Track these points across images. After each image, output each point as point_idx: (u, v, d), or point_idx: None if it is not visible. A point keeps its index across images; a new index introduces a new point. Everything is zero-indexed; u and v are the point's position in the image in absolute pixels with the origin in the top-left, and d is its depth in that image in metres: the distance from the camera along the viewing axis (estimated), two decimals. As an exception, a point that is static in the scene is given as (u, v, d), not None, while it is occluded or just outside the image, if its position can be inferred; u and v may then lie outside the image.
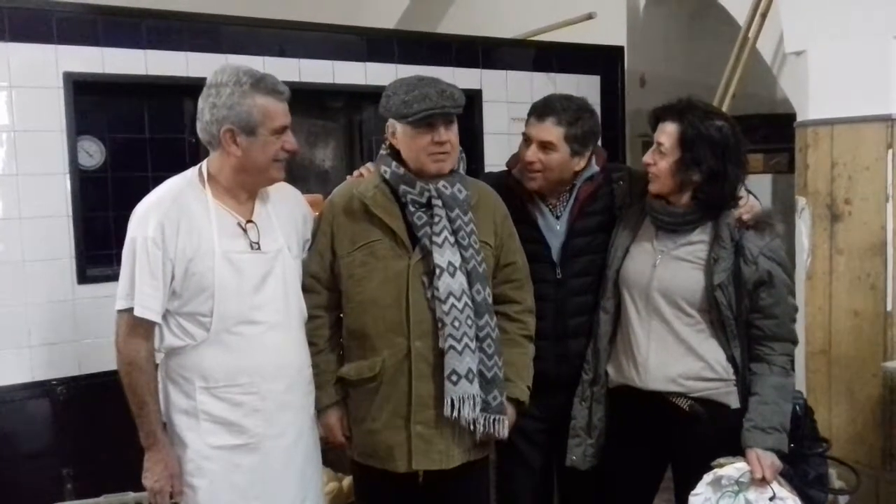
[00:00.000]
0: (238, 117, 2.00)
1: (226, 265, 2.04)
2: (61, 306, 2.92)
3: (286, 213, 2.20)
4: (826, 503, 2.33)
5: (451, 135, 2.15)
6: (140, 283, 1.99)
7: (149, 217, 2.01)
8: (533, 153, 2.34)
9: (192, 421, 2.07)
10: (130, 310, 2.00)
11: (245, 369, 2.07)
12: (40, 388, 2.89)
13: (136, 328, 2.01)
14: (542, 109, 2.36)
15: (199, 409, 2.06)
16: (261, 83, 2.01)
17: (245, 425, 2.08)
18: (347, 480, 3.02)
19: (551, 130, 2.32)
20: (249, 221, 2.10)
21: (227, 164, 2.06)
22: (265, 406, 2.09)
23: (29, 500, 2.82)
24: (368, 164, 2.34)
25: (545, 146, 2.32)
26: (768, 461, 2.13)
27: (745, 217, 2.21)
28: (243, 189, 2.10)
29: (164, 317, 2.05)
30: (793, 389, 2.25)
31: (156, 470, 2.04)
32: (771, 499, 2.10)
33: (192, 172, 2.13)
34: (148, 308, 2.00)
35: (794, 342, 2.26)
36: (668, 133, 2.21)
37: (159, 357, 2.11)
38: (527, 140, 2.37)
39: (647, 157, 2.25)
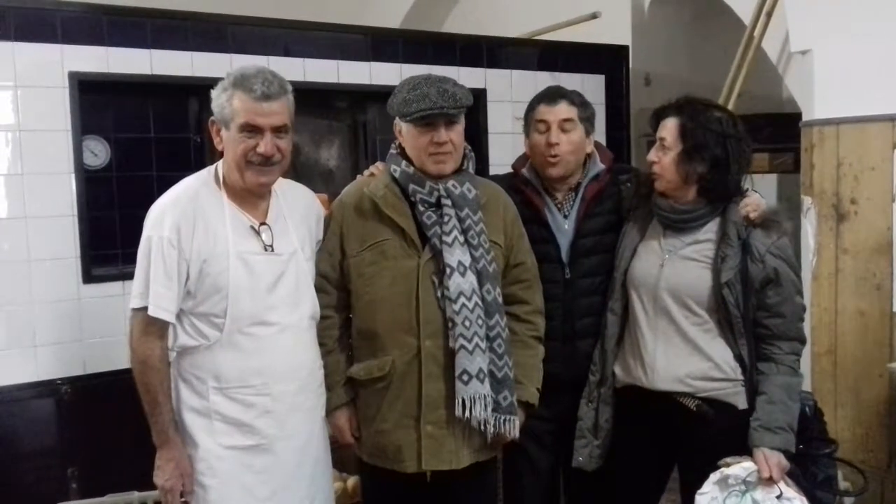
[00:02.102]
0: (216, 109, 2.04)
1: (240, 266, 2.04)
2: (67, 306, 2.92)
3: (300, 214, 2.20)
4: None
5: (452, 135, 2.14)
6: (154, 283, 1.99)
7: (165, 217, 2.01)
8: (556, 135, 2.36)
9: (205, 421, 2.06)
10: (145, 309, 2.00)
11: (257, 370, 2.07)
12: (46, 388, 2.90)
13: (150, 327, 2.01)
14: (550, 95, 2.43)
15: (211, 409, 2.06)
16: (241, 79, 2.01)
17: (257, 426, 2.08)
18: (352, 480, 3.02)
19: (569, 110, 2.39)
20: (263, 224, 2.10)
21: (225, 162, 2.08)
22: (277, 407, 2.09)
23: (34, 498, 2.83)
24: (378, 164, 2.34)
25: (565, 125, 2.37)
26: (775, 460, 2.12)
27: (751, 215, 2.20)
28: (246, 190, 2.09)
29: (178, 316, 2.04)
30: (800, 389, 2.24)
31: (167, 468, 2.04)
32: (778, 497, 2.09)
33: (207, 172, 2.13)
34: (162, 308, 2.00)
35: (802, 341, 2.25)
36: (668, 128, 2.23)
37: (171, 356, 2.10)
38: (542, 126, 2.39)
39: (652, 155, 2.26)
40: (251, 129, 2.00)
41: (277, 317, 2.09)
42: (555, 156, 2.37)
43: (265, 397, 2.08)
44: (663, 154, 2.22)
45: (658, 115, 2.29)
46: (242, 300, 2.04)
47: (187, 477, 2.06)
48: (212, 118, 2.07)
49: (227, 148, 2.05)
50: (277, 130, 2.03)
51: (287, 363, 2.11)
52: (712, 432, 2.22)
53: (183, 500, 2.08)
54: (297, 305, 2.13)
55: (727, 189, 2.21)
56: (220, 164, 2.12)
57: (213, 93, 2.05)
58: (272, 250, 2.09)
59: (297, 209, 2.19)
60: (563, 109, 2.38)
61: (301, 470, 2.16)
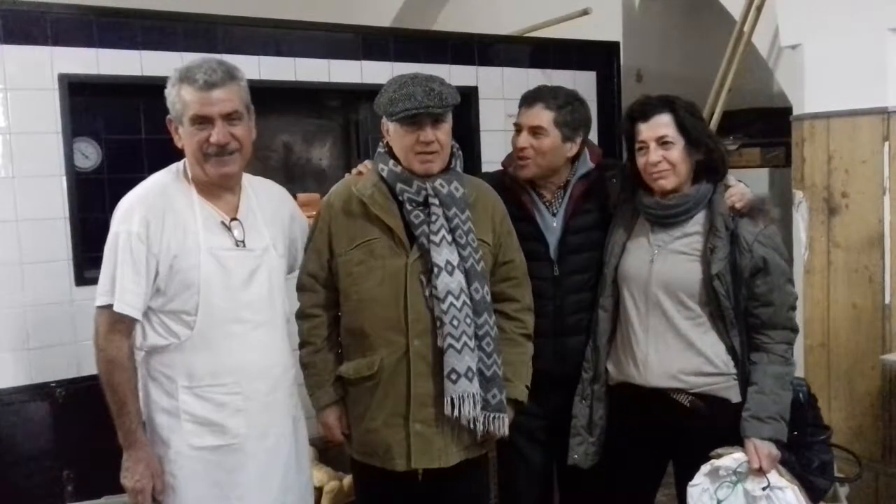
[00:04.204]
0: (170, 107, 2.03)
1: (211, 262, 2.02)
2: (59, 308, 2.91)
3: (272, 211, 2.19)
4: (829, 492, 2.33)
5: (438, 134, 2.13)
6: (122, 279, 1.96)
7: (133, 212, 1.99)
8: (524, 139, 2.37)
9: (174, 421, 2.04)
10: (111, 306, 1.97)
11: (229, 368, 2.05)
12: (39, 391, 2.89)
13: (117, 325, 1.98)
14: (530, 97, 2.41)
15: (181, 408, 2.03)
16: (185, 72, 2.00)
17: (228, 426, 2.05)
18: (347, 479, 3.02)
19: (541, 115, 2.36)
20: (234, 219, 2.09)
21: (187, 158, 2.07)
22: (249, 406, 2.07)
23: (29, 501, 2.82)
24: (367, 162, 2.34)
25: (535, 131, 2.36)
26: (765, 451, 2.13)
27: (737, 205, 2.21)
28: (213, 184, 2.07)
29: (147, 315, 2.02)
30: (792, 378, 2.24)
31: (137, 469, 2.01)
32: (764, 488, 2.10)
33: (175, 168, 2.11)
34: (129, 304, 1.97)
35: (794, 330, 2.25)
36: (665, 124, 2.21)
37: (139, 356, 2.08)
38: (517, 128, 2.41)
39: (655, 156, 2.21)
40: (201, 121, 1.99)
41: (251, 314, 2.07)
42: (524, 158, 2.38)
43: (237, 396, 2.05)
44: (667, 151, 2.20)
45: (635, 118, 2.27)
46: (214, 296, 2.02)
47: (158, 477, 2.03)
48: (168, 116, 2.05)
49: (185, 143, 2.04)
50: (229, 118, 2.01)
51: (260, 361, 2.09)
52: (706, 427, 2.22)
53: (156, 501, 2.05)
54: (272, 302, 2.12)
55: (717, 165, 2.24)
56: (187, 159, 2.10)
57: (165, 91, 2.04)
58: (244, 246, 2.07)
59: (268, 206, 2.18)
60: (535, 114, 2.36)
61: (273, 470, 2.13)
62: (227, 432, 2.06)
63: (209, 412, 2.04)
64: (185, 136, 2.03)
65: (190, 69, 1.99)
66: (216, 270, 2.02)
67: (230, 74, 2.02)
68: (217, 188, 2.08)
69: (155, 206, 2.00)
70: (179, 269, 2.00)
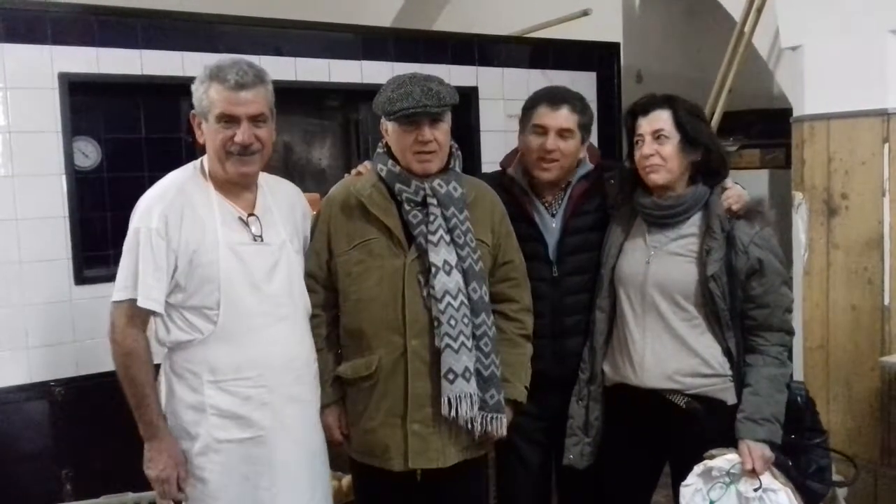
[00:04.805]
0: (196, 102, 2.06)
1: (231, 256, 2.05)
2: (59, 307, 2.92)
3: (286, 208, 2.21)
4: (826, 496, 2.33)
5: (436, 133, 2.14)
6: (144, 274, 1.99)
7: (152, 208, 2.02)
8: (553, 141, 2.34)
9: (200, 415, 2.06)
10: (130, 300, 1.99)
11: (253, 362, 2.07)
12: (38, 390, 2.89)
13: (135, 319, 2.01)
14: (554, 98, 2.38)
15: (206, 403, 2.05)
16: (216, 70, 2.02)
17: (253, 418, 2.08)
18: (346, 479, 3.02)
19: (569, 117, 2.35)
20: (251, 215, 2.11)
21: (208, 154, 2.09)
22: (273, 399, 2.09)
23: (28, 500, 2.83)
24: (366, 162, 2.35)
25: (564, 133, 2.34)
26: (759, 452, 2.13)
27: (734, 207, 2.22)
28: (231, 181, 2.09)
29: (169, 311, 2.04)
30: (787, 380, 2.24)
31: (160, 459, 2.03)
32: (756, 489, 2.10)
33: (193, 166, 2.14)
34: (152, 299, 2.00)
35: (789, 332, 2.25)
36: (663, 119, 2.22)
37: (162, 351, 2.10)
38: (540, 130, 2.35)
39: (648, 149, 2.22)
40: (228, 119, 2.02)
41: (272, 308, 2.09)
42: (551, 161, 2.35)
43: (261, 389, 2.08)
44: (661, 145, 2.21)
45: (636, 113, 2.28)
46: (235, 291, 2.04)
47: (182, 466, 2.05)
48: (192, 111, 2.08)
49: (208, 139, 2.07)
50: (255, 119, 2.04)
51: (283, 354, 2.11)
52: (703, 429, 2.22)
53: (180, 490, 2.06)
54: (291, 296, 2.14)
55: (717, 167, 2.25)
56: (205, 157, 2.13)
57: (193, 86, 2.06)
58: (261, 240, 2.10)
59: (283, 203, 2.21)
60: (564, 117, 2.34)
61: (299, 462, 2.15)
62: (252, 425, 2.08)
63: (234, 405, 2.06)
64: (208, 133, 2.05)
65: (222, 68, 2.02)
66: (236, 265, 2.05)
67: (260, 77, 2.06)
68: (234, 185, 2.10)
69: (173, 203, 2.03)
70: (199, 263, 2.02)
